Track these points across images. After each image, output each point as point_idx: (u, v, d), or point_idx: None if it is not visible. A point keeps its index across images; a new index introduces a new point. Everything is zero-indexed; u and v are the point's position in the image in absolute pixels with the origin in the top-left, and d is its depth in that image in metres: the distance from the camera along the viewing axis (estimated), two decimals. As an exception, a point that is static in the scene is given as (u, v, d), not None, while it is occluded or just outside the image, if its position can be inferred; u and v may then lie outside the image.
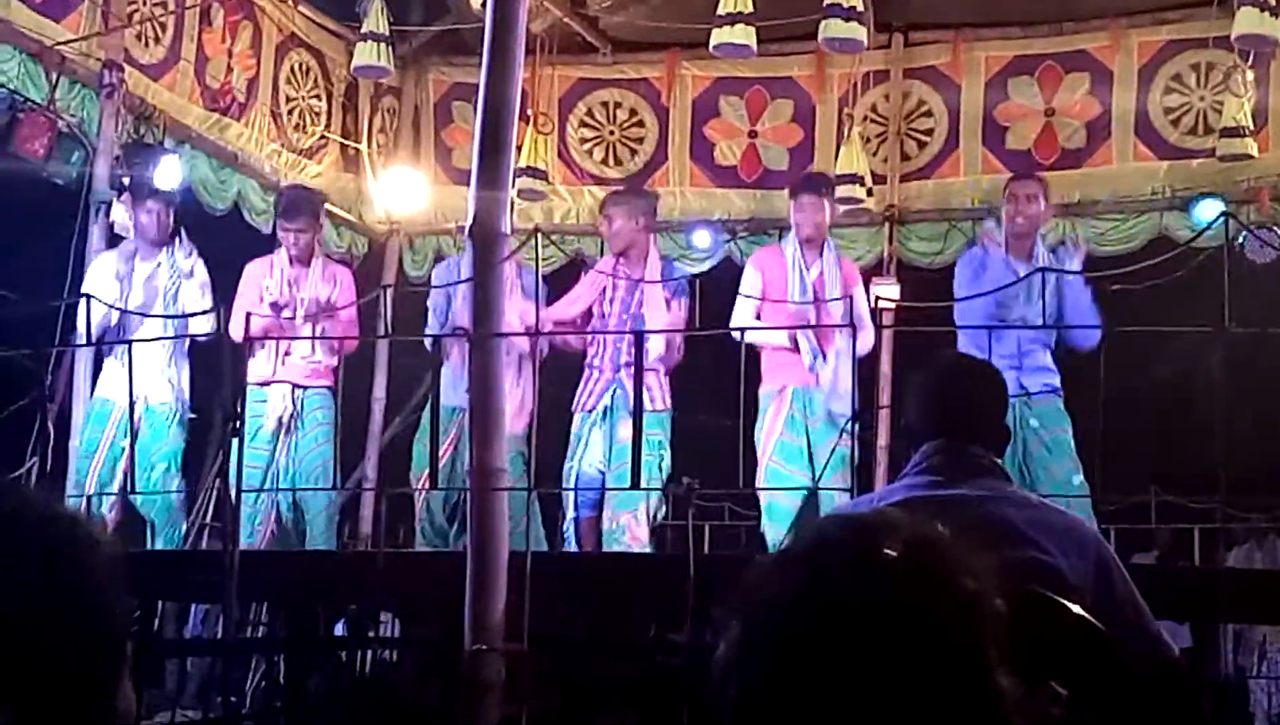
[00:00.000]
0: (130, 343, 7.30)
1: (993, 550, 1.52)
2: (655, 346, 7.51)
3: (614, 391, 7.63)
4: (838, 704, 1.34)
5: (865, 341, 7.33)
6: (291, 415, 7.82)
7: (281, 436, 7.82)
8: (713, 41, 8.46)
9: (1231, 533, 10.07)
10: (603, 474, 7.65)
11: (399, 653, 7.95)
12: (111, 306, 7.52)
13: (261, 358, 7.80)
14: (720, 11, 8.36)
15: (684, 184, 10.35)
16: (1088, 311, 7.12)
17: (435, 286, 7.88)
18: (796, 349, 7.35)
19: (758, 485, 7.30)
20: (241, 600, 6.70)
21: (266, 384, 7.83)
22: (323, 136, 10.15)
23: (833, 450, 7.10)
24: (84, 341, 7.45)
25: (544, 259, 8.25)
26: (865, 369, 7.12)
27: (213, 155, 9.15)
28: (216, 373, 7.15)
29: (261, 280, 7.97)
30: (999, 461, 2.93)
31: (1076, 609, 2.55)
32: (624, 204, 7.88)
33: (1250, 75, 8.92)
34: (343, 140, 10.31)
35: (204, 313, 7.55)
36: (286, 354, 7.83)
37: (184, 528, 7.89)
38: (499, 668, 5.14)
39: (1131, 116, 9.53)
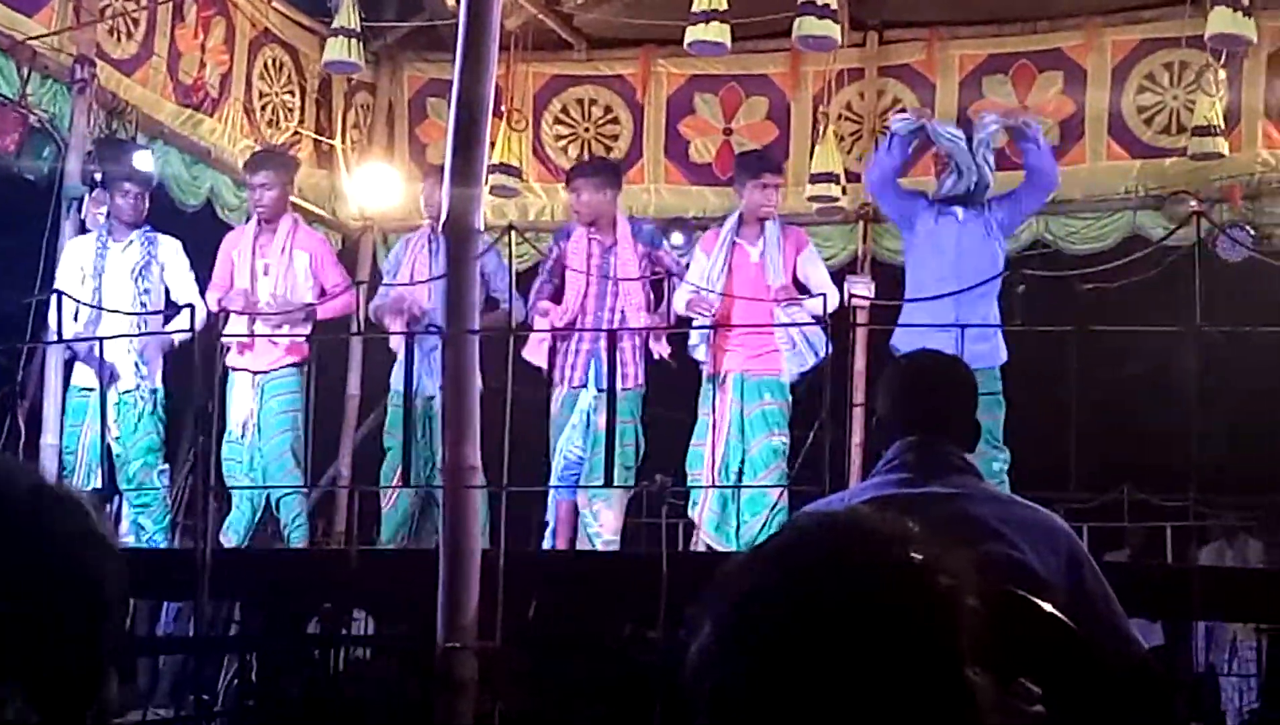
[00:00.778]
0: (101, 340, 7.29)
1: (964, 547, 1.52)
2: (638, 316, 7.60)
3: (592, 364, 7.64)
4: (811, 702, 1.34)
5: (833, 302, 7.45)
6: (253, 410, 7.80)
7: (249, 432, 7.80)
8: (687, 39, 8.46)
9: (1203, 530, 10.12)
10: (581, 459, 7.65)
11: (372, 651, 7.95)
12: (81, 303, 7.50)
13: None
14: (695, 9, 8.35)
15: (659, 181, 10.34)
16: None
17: (414, 282, 7.84)
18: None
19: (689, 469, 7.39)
20: (214, 598, 6.67)
21: (235, 370, 7.83)
22: (296, 132, 10.11)
23: (771, 446, 7.20)
24: (55, 338, 7.42)
25: (518, 256, 8.24)
26: (837, 367, 7.12)
27: (185, 151, 9.11)
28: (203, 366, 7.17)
29: (231, 251, 7.99)
30: (969, 458, 2.93)
31: (1048, 606, 2.54)
32: (591, 176, 7.98)
33: (1222, 74, 8.96)
34: (316, 136, 10.28)
35: (181, 308, 7.55)
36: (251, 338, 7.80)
37: (167, 522, 7.86)
38: (472, 666, 5.13)
39: (1105, 115, 9.55)
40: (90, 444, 7.70)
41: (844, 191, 9.59)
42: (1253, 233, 9.05)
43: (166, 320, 7.79)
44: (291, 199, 9.69)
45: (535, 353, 7.72)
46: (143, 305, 7.76)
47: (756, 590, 1.39)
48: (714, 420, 7.36)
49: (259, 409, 7.79)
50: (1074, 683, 2.55)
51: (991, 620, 1.47)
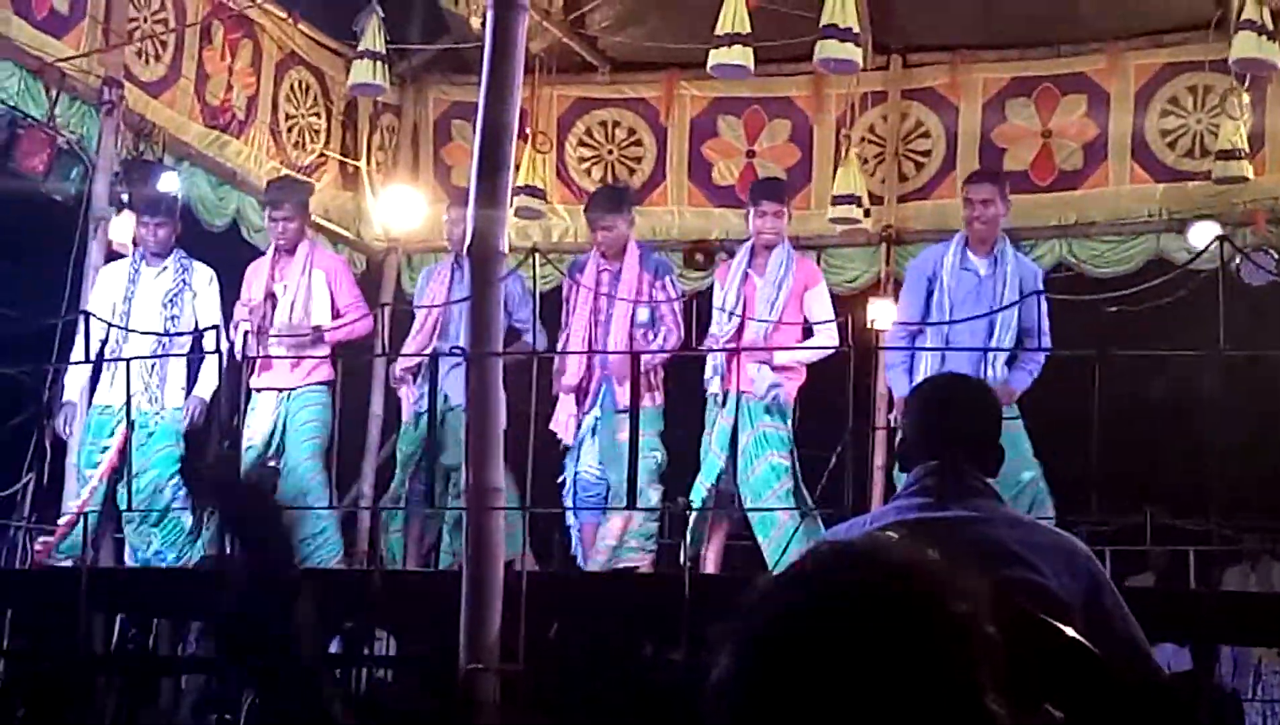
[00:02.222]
0: (129, 360, 7.32)
1: (985, 571, 1.53)
2: (642, 339, 7.62)
3: (603, 391, 7.66)
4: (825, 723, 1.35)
5: (829, 341, 7.43)
6: (275, 430, 7.81)
7: (271, 450, 7.81)
8: (710, 62, 8.48)
9: (1227, 554, 10.08)
10: (602, 480, 7.65)
11: (394, 671, 7.96)
12: (111, 325, 7.55)
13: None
14: (718, 32, 8.38)
15: (682, 203, 10.36)
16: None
17: (434, 306, 7.88)
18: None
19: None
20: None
21: (259, 391, 7.86)
22: (322, 154, 10.17)
23: (771, 466, 7.20)
24: (83, 359, 7.46)
25: (542, 278, 8.27)
26: (861, 390, 7.12)
27: (212, 172, 9.18)
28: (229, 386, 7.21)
29: (253, 281, 8.03)
30: (990, 482, 2.94)
31: (1070, 631, 2.55)
32: (618, 209, 7.94)
33: (1246, 98, 8.96)
34: (342, 158, 10.33)
35: (207, 328, 7.59)
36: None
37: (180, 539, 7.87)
38: (494, 687, 5.14)
39: (1128, 139, 9.55)
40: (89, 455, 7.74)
41: (866, 214, 9.60)
42: (1276, 257, 9.04)
43: (193, 347, 7.81)
44: (316, 219, 9.79)
45: (559, 425, 7.73)
46: (167, 331, 7.78)
47: (777, 617, 1.41)
48: (710, 442, 7.39)
49: (283, 427, 7.79)
50: (1096, 708, 2.55)
51: (1013, 645, 1.48)
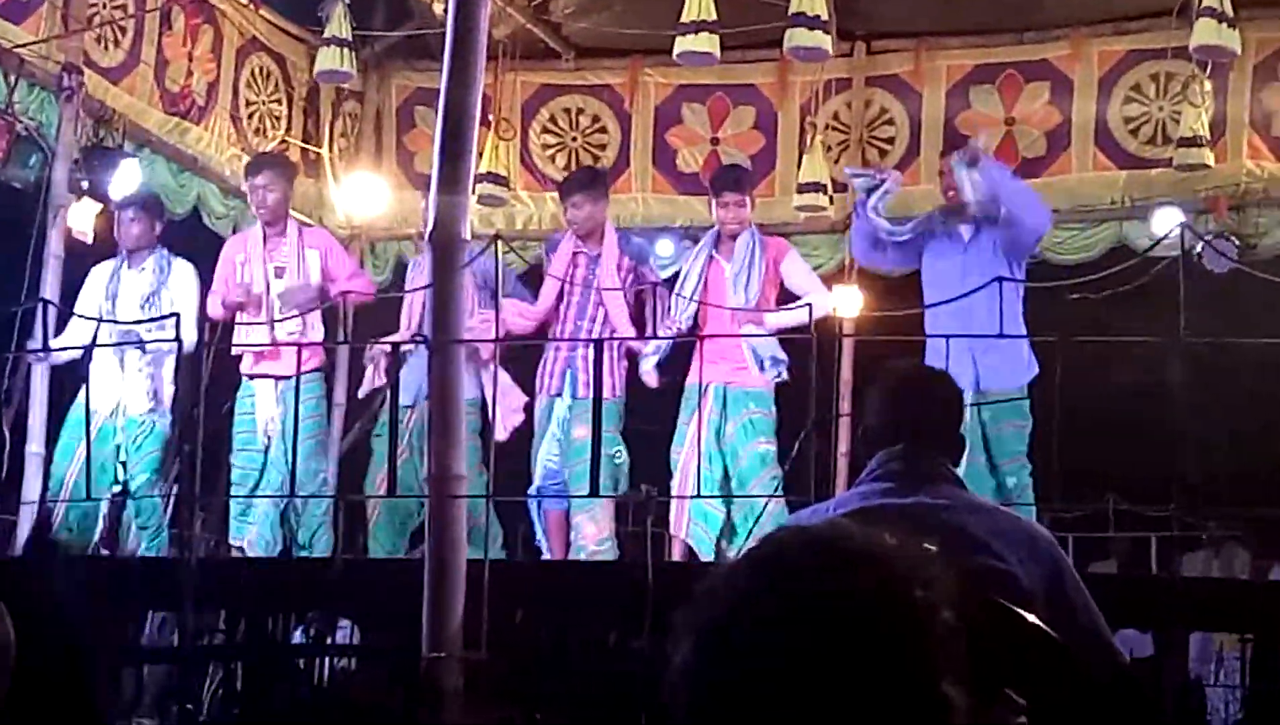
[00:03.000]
0: (90, 347, 7.27)
1: (947, 558, 1.52)
2: (620, 328, 7.63)
3: (568, 374, 7.65)
4: (785, 715, 1.34)
5: (820, 303, 7.41)
6: (275, 417, 7.71)
7: (273, 442, 7.72)
8: (676, 49, 8.46)
9: (1190, 540, 10.14)
10: (560, 469, 7.64)
11: (357, 661, 7.93)
12: (85, 316, 7.50)
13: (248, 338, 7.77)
14: (683, 19, 8.36)
15: (646, 191, 10.34)
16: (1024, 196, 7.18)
17: (400, 292, 7.85)
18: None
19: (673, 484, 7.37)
20: (198, 607, 6.66)
21: (252, 378, 7.81)
22: (283, 141, 10.10)
23: (754, 453, 7.20)
24: (40, 347, 7.41)
25: (506, 266, 8.23)
26: (823, 377, 7.11)
27: (172, 159, 9.10)
28: (210, 378, 7.16)
29: (235, 256, 7.95)
30: (953, 468, 2.94)
31: (1031, 617, 2.55)
32: (589, 189, 7.98)
33: (1208, 85, 8.99)
34: (303, 145, 10.27)
35: (164, 317, 7.50)
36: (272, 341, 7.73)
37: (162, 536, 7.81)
38: (457, 675, 5.13)
39: (1091, 126, 9.57)
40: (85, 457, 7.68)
41: (831, 201, 9.60)
42: (1238, 243, 9.08)
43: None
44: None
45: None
46: (146, 330, 7.71)
47: (733, 605, 1.40)
48: (692, 431, 7.34)
49: (283, 415, 7.67)
50: (1058, 693, 2.55)
51: (975, 631, 1.47)
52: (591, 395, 6.92)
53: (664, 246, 9.88)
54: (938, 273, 7.29)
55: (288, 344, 7.75)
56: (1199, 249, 8.36)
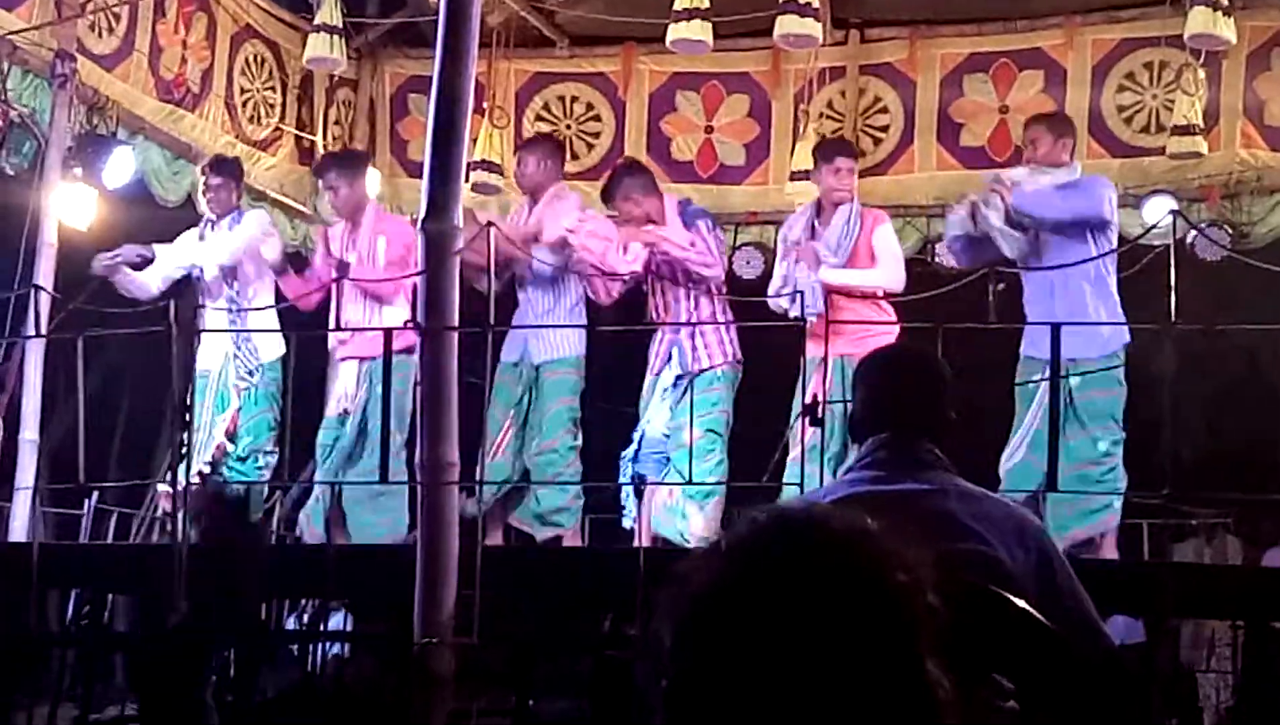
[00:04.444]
0: (80, 336, 7.26)
1: (935, 543, 1.53)
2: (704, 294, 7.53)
3: (674, 353, 7.55)
4: (763, 700, 1.35)
5: (887, 278, 7.35)
6: (356, 396, 7.64)
7: (350, 420, 7.64)
8: (669, 37, 8.47)
9: (1181, 527, 10.16)
10: (666, 437, 7.50)
11: (350, 647, 7.94)
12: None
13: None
14: (677, 7, 8.37)
15: (640, 178, 10.33)
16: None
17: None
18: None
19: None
20: (191, 594, 6.66)
21: (340, 361, 7.85)
22: (277, 128, 10.10)
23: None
24: (34, 333, 7.41)
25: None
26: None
27: (166, 147, 9.10)
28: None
29: (328, 243, 7.90)
30: (941, 454, 2.94)
31: (1020, 602, 2.56)
32: (636, 177, 7.77)
33: (1202, 74, 9.00)
34: (297, 132, 10.27)
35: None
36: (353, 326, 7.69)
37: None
38: (449, 661, 5.14)
39: (1085, 114, 9.57)
40: (208, 424, 7.74)
41: (824, 189, 9.59)
42: (1230, 232, 9.10)
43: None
44: (270, 194, 9.72)
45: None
46: (231, 294, 7.82)
47: (710, 586, 1.40)
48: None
49: (366, 397, 7.59)
50: (1046, 678, 2.57)
51: (963, 617, 1.48)
52: (694, 371, 7.01)
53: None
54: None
55: (268, 330, 7.75)
56: (1191, 237, 8.37)
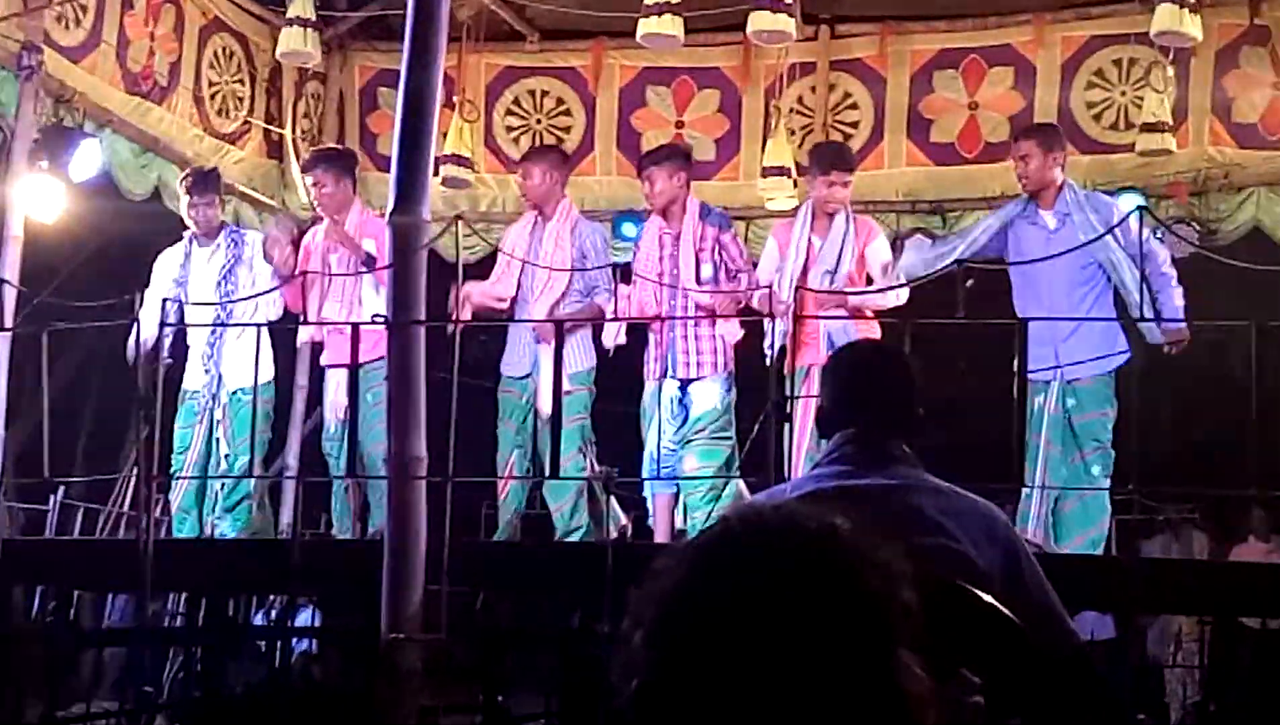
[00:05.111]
0: (48, 330, 7.21)
1: (902, 538, 1.52)
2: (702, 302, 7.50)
3: (670, 357, 7.53)
4: (736, 698, 1.34)
5: (898, 296, 7.35)
6: (345, 405, 7.53)
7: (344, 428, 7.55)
8: (640, 31, 8.46)
9: (1149, 523, 10.21)
10: (674, 451, 7.48)
11: (318, 642, 7.91)
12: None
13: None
14: (647, 1, 8.36)
15: (611, 173, 10.33)
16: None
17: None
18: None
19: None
20: (158, 590, 6.63)
21: (327, 368, 7.86)
22: (246, 121, 10.05)
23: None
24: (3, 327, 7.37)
25: (466, 247, 8.22)
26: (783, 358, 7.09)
27: (133, 140, 9.04)
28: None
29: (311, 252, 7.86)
30: (909, 449, 2.94)
31: (987, 598, 2.56)
32: (664, 163, 7.73)
33: (1170, 71, 9.04)
34: (266, 125, 10.22)
35: (265, 292, 7.64)
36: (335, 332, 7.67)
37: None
38: (417, 657, 5.12)
39: (1054, 111, 9.59)
40: (200, 442, 7.72)
41: (795, 185, 9.60)
42: (1198, 229, 9.14)
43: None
44: (240, 187, 9.67)
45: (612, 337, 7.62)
46: (225, 308, 7.77)
47: (680, 588, 1.39)
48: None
49: (360, 399, 7.45)
50: (1014, 673, 2.57)
51: (931, 612, 1.47)
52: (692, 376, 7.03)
53: (628, 229, 9.88)
54: (1023, 257, 7.19)
55: (248, 324, 7.69)
56: (1160, 234, 8.40)
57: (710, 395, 7.45)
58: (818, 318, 7.22)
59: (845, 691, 1.35)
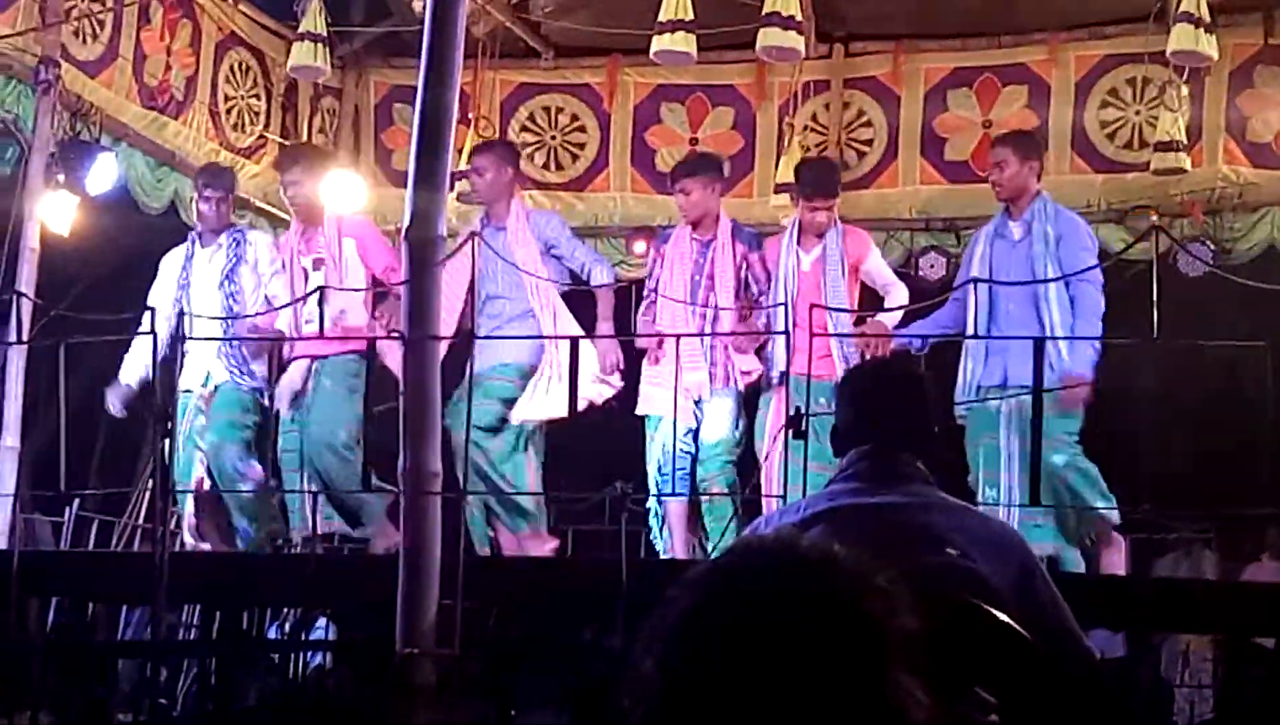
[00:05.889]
0: (66, 342, 7.23)
1: (914, 556, 1.54)
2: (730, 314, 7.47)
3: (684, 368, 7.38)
4: (741, 723, 1.36)
5: (896, 298, 7.38)
6: (299, 393, 7.52)
7: (299, 414, 7.50)
8: (654, 48, 8.48)
9: (1160, 542, 10.18)
10: (687, 455, 7.43)
11: (332, 656, 7.92)
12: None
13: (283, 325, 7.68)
14: (661, 18, 8.38)
15: (625, 190, 10.36)
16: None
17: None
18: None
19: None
20: (173, 602, 6.65)
21: (292, 359, 7.66)
22: (261, 136, 10.09)
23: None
24: (15, 339, 7.39)
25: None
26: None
27: (150, 154, 9.09)
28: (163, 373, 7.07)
29: (283, 257, 7.77)
30: (923, 466, 2.95)
31: (1002, 616, 2.56)
32: (699, 175, 7.66)
33: (1185, 91, 9.04)
34: (281, 140, 10.24)
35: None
36: (308, 322, 7.49)
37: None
38: (430, 672, 5.13)
39: (1068, 130, 9.62)
40: (187, 440, 7.59)
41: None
42: (1212, 248, 9.14)
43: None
44: (255, 202, 9.69)
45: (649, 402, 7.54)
46: (229, 309, 7.62)
47: (684, 619, 1.42)
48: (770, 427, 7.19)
49: (313, 390, 7.49)
50: (1028, 692, 2.57)
51: (944, 631, 1.49)
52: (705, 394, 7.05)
53: (640, 247, 9.89)
54: (984, 265, 7.16)
55: (252, 338, 7.64)
56: (1174, 253, 8.41)
57: (722, 411, 7.45)
58: (828, 336, 7.19)
59: (844, 717, 1.36)
